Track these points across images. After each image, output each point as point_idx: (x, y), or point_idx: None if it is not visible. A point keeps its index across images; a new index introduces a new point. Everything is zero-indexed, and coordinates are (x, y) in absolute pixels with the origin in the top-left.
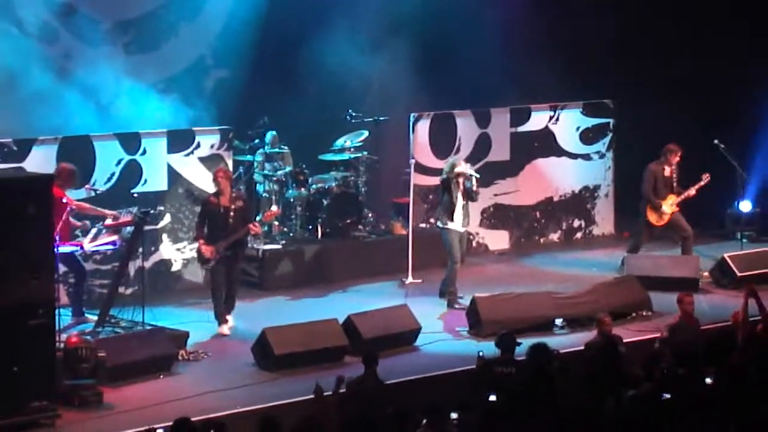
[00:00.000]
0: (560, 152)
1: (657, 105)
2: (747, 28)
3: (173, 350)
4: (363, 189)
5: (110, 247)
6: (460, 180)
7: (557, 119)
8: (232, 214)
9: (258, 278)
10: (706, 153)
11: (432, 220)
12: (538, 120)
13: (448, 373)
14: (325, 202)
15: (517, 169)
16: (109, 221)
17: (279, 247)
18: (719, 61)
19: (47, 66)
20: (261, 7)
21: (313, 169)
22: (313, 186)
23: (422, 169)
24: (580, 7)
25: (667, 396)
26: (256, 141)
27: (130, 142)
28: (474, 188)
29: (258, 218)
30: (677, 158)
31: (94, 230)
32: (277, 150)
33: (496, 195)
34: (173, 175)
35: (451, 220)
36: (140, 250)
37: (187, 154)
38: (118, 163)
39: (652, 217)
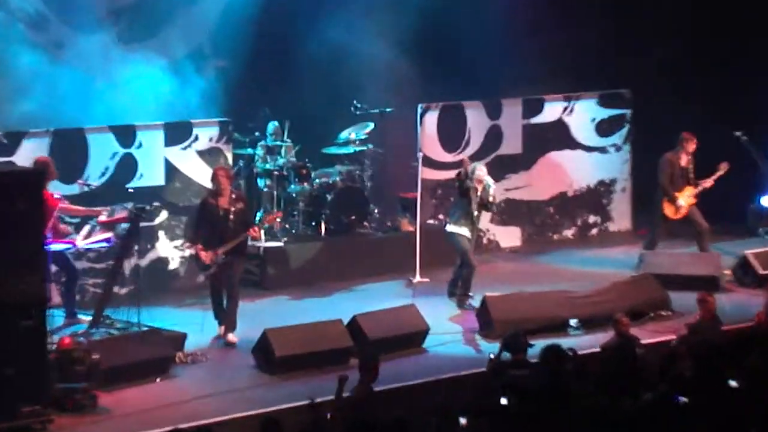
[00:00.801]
0: (575, 145)
1: (676, 95)
2: None
3: (170, 352)
4: (368, 184)
5: (104, 244)
6: (479, 187)
7: (572, 110)
8: (232, 217)
9: (259, 277)
10: (728, 146)
11: (441, 217)
12: (551, 111)
13: (458, 376)
14: (328, 198)
15: (530, 163)
16: (103, 218)
17: (281, 244)
18: (741, 49)
19: (38, 54)
20: None
21: (316, 163)
22: (317, 180)
23: (430, 163)
24: None
25: (685, 399)
26: (257, 133)
27: (125, 134)
28: (490, 198)
29: (258, 220)
30: (693, 146)
31: (87, 227)
32: (278, 143)
33: (507, 190)
34: (170, 170)
35: (461, 226)
36: (136, 247)
37: (185, 148)
38: (113, 156)
39: (668, 210)
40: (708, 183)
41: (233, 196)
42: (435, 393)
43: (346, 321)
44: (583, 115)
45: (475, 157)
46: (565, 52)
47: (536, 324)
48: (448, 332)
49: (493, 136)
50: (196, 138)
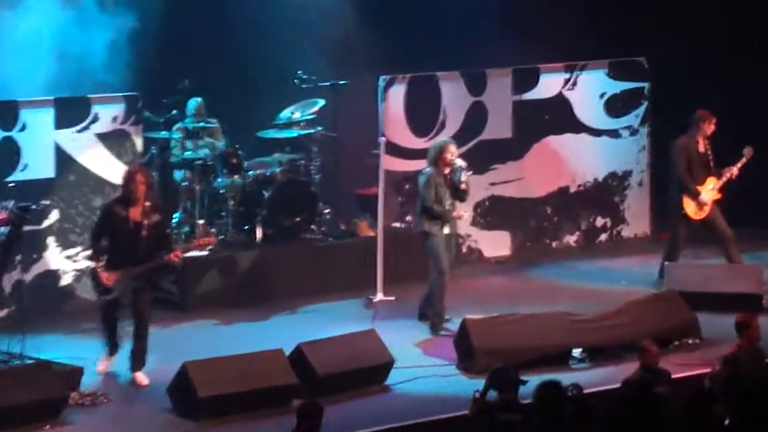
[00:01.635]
0: (579, 127)
1: (707, 63)
2: None
3: (63, 392)
4: (317, 177)
5: None
6: (447, 171)
7: (575, 83)
8: (144, 232)
9: (177, 296)
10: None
11: (409, 219)
12: (549, 85)
13: (431, 421)
14: (266, 194)
15: (522, 151)
16: None
17: (205, 254)
18: None
19: None
20: None
21: (250, 150)
22: (251, 172)
23: (396, 150)
24: None
25: None
26: (174, 112)
27: (4, 113)
28: (461, 184)
29: (184, 239)
30: (712, 128)
31: None
32: (202, 124)
33: (493, 184)
34: (63, 158)
35: (435, 222)
36: (18, 257)
37: (81, 130)
38: None
39: (689, 208)
40: (734, 172)
41: (148, 204)
42: None
43: (288, 351)
44: (589, 90)
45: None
46: (567, 10)
47: (530, 355)
48: (418, 365)
49: (476, 117)
50: (96, 118)
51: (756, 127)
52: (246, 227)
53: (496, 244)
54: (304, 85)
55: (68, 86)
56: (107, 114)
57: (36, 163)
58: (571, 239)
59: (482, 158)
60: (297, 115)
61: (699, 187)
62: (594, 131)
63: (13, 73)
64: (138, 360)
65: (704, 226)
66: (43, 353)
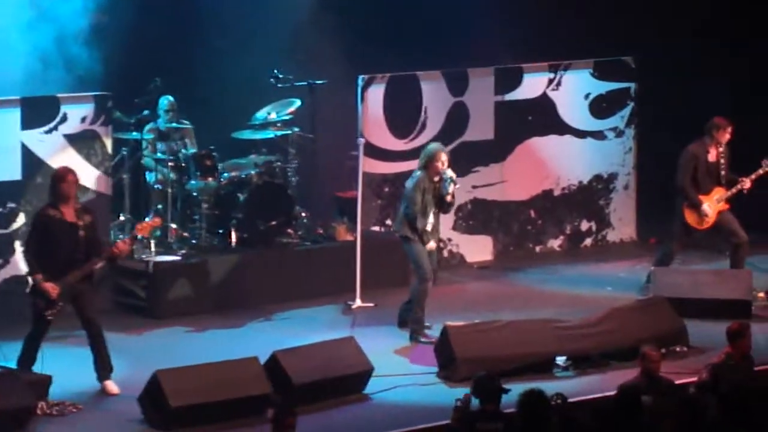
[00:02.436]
0: (563, 129)
1: (696, 63)
2: None
3: (30, 401)
4: (294, 179)
5: None
6: (436, 179)
7: (559, 83)
8: (81, 233)
9: (147, 302)
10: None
11: (389, 223)
12: (532, 85)
13: (412, 431)
14: (241, 197)
15: (505, 152)
16: None
17: (177, 258)
18: None
19: None
20: None
21: (224, 152)
22: (225, 175)
23: (375, 152)
24: None
25: None
26: (146, 112)
27: None
28: (448, 195)
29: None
30: (727, 136)
31: None
32: (174, 124)
33: (475, 187)
34: (30, 160)
35: (418, 232)
36: None
37: (49, 131)
38: None
39: (690, 218)
40: (746, 184)
41: (78, 206)
42: None
43: (263, 359)
44: (573, 90)
45: None
46: (551, 7)
47: (512, 363)
48: (398, 373)
49: (457, 118)
50: (65, 118)
51: (746, 128)
52: (220, 231)
53: (478, 248)
54: (280, 85)
55: (36, 85)
56: (76, 114)
57: (2, 165)
58: (555, 244)
59: (464, 160)
60: (273, 116)
61: (702, 197)
62: (579, 133)
63: None
64: (104, 367)
65: (710, 232)
66: (10, 361)
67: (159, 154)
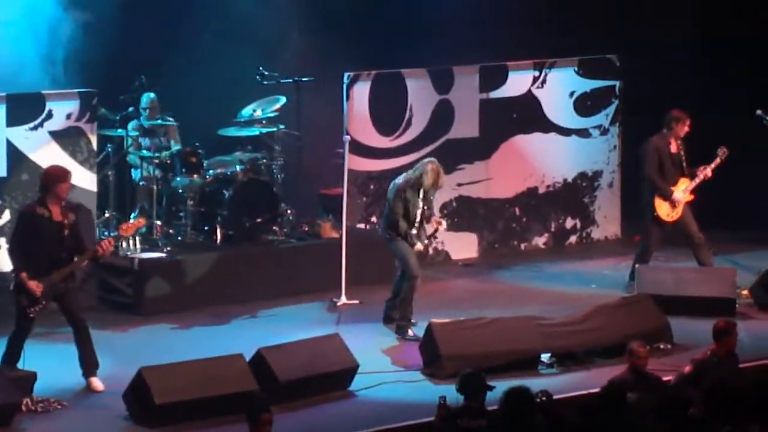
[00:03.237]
0: (548, 127)
1: (680, 62)
2: None
3: (14, 399)
4: (279, 176)
5: None
6: (430, 195)
7: (544, 81)
8: (66, 232)
9: (132, 299)
10: (749, 129)
11: (374, 220)
12: (517, 82)
13: (397, 428)
14: (226, 194)
15: (490, 150)
16: None
17: (162, 255)
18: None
19: None
20: None
21: (209, 149)
22: (211, 172)
23: (360, 149)
24: None
25: None
26: (131, 109)
27: None
28: (428, 229)
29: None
30: (686, 129)
31: None
32: (159, 122)
33: (460, 185)
34: (15, 157)
35: (401, 235)
36: None
37: (34, 128)
38: None
39: (662, 210)
40: (707, 173)
41: (63, 204)
42: None
43: (249, 356)
44: (558, 88)
45: (419, 142)
46: (536, 5)
47: (497, 360)
48: (383, 370)
49: (443, 115)
50: (50, 115)
51: (729, 126)
52: (206, 228)
53: (463, 246)
54: (266, 82)
55: (21, 82)
56: (61, 111)
57: None
58: (540, 241)
59: (449, 158)
60: (259, 113)
61: (672, 188)
62: (563, 130)
63: None
64: (89, 364)
65: (675, 228)
66: None
67: (144, 151)
